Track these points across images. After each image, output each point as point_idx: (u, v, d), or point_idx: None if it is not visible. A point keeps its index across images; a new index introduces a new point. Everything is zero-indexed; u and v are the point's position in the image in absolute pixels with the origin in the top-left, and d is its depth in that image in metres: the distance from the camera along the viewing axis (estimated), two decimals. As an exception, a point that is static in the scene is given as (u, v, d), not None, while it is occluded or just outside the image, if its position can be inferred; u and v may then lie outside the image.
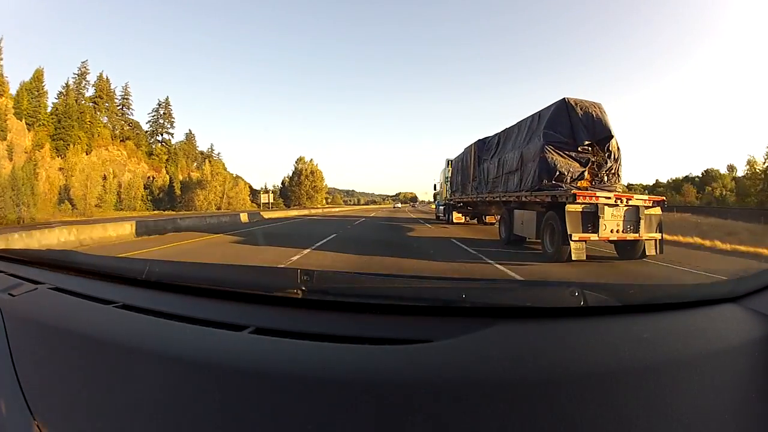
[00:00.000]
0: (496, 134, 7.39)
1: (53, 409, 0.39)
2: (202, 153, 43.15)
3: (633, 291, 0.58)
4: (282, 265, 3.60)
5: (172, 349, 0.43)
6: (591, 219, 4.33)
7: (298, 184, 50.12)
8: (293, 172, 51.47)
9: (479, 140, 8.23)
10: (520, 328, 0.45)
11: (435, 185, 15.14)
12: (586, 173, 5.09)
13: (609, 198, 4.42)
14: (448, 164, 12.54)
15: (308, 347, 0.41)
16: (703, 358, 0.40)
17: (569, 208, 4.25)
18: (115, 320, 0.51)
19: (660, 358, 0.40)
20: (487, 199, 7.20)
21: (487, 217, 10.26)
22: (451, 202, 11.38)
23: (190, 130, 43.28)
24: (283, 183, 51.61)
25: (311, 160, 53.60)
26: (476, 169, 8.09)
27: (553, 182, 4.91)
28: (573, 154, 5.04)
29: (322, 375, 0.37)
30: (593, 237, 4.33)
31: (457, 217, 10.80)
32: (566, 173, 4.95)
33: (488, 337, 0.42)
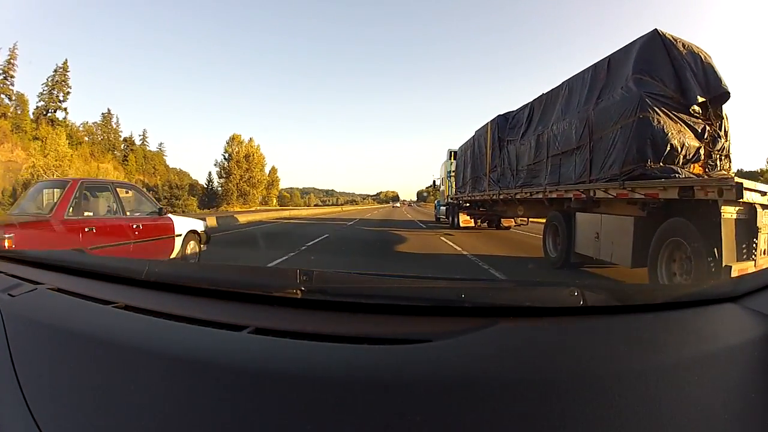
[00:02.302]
0: (525, 104, 5.63)
1: (53, 410, 0.41)
2: (126, 140, 36.20)
3: (633, 291, 0.65)
4: None
5: (171, 349, 0.46)
6: (746, 233, 2.57)
7: (228, 175, 38.10)
8: (224, 159, 39.19)
9: (499, 116, 6.43)
10: (520, 328, 0.48)
11: (434, 181, 13.66)
12: (701, 152, 3.41)
13: (765, 194, 2.72)
14: (451, 156, 10.91)
15: (308, 347, 0.44)
16: (703, 358, 0.43)
17: (727, 212, 2.44)
18: (114, 320, 0.55)
19: (660, 358, 0.43)
20: (517, 195, 5.35)
21: (504, 220, 8.60)
22: (457, 202, 9.71)
23: (108, 110, 35.45)
24: (211, 177, 39.82)
25: (250, 139, 40.40)
26: (496, 155, 6.28)
27: (662, 165, 3.16)
28: (685, 118, 3.32)
29: (322, 375, 0.39)
30: (749, 266, 2.57)
31: (464, 220, 9.00)
32: (679, 150, 3.21)
33: (488, 337, 0.45)
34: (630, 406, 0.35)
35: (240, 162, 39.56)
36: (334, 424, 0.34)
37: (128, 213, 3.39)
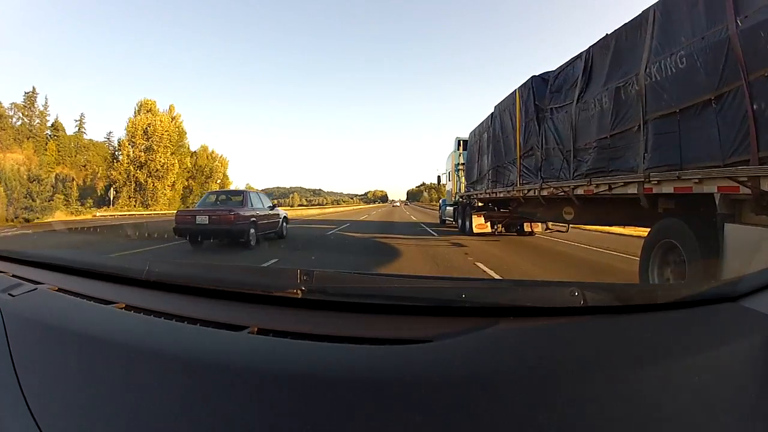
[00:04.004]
0: (575, 56, 4.07)
1: (53, 410, 0.43)
2: (53, 126, 29.65)
3: (633, 291, 0.65)
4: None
5: (171, 349, 0.49)
6: None
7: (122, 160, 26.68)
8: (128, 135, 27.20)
9: (535, 77, 4.85)
10: (520, 328, 0.50)
11: (439, 177, 11.99)
12: None
13: None
14: (459, 145, 9.51)
15: (308, 347, 0.47)
16: (703, 358, 0.45)
17: None
18: (114, 320, 0.58)
19: (660, 358, 0.44)
20: (578, 191, 3.70)
21: (527, 225, 7.09)
22: (467, 201, 8.24)
23: (33, 88, 27.53)
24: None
25: (170, 107, 28.93)
26: (532, 133, 4.69)
27: None
28: None
29: (322, 375, 0.42)
30: None
31: (479, 224, 7.34)
32: None
33: (488, 336, 0.47)
34: (630, 405, 0.37)
35: (136, 139, 25.54)
36: (335, 424, 0.36)
37: (266, 206, 6.87)
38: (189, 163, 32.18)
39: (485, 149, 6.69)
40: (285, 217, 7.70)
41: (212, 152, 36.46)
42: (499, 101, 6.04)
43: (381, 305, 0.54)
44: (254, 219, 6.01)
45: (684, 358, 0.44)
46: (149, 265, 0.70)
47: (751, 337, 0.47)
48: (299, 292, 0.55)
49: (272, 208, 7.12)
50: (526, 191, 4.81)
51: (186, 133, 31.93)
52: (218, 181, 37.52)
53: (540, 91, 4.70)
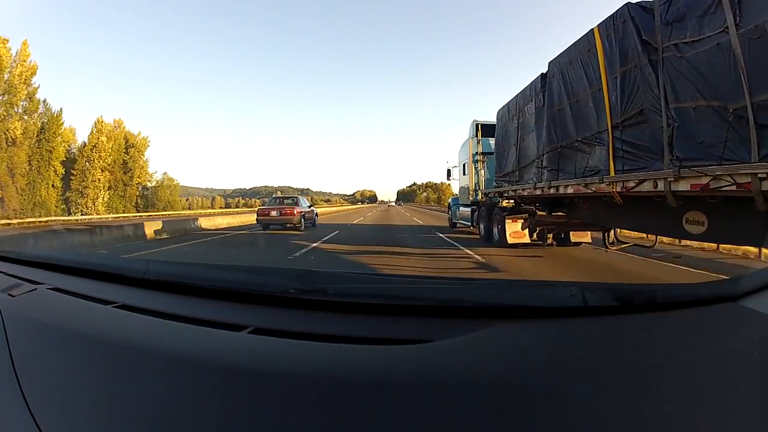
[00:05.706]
0: None
1: (53, 409, 0.45)
2: None
3: (633, 291, 0.66)
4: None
5: (171, 349, 0.52)
6: None
7: None
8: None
9: (632, 5, 3.20)
10: (520, 328, 0.53)
11: (448, 170, 10.37)
12: None
13: None
14: (477, 131, 7.90)
15: (308, 347, 0.50)
16: (702, 358, 0.47)
17: None
18: (114, 320, 0.61)
19: (660, 358, 0.47)
20: None
21: (574, 233, 5.90)
22: (491, 200, 6.91)
23: None
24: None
25: (2, 40, 20.19)
26: (642, 86, 3.06)
27: None
28: None
29: (322, 375, 0.44)
30: None
31: (514, 232, 5.90)
32: None
33: (488, 337, 0.50)
34: (630, 405, 0.39)
35: None
36: (335, 424, 0.38)
37: (307, 205, 11.79)
38: (20, 129, 21.58)
39: (529, 126, 5.08)
40: (317, 213, 12.37)
41: (99, 120, 27.35)
42: (556, 55, 4.42)
43: (380, 305, 0.57)
44: (303, 213, 10.35)
45: (684, 358, 0.46)
46: (149, 265, 0.74)
47: (751, 337, 0.50)
48: (299, 292, 0.59)
49: (310, 206, 11.64)
50: (632, 184, 3.13)
51: (37, 90, 21.16)
52: (131, 172, 29.41)
53: (644, 22, 3.09)
